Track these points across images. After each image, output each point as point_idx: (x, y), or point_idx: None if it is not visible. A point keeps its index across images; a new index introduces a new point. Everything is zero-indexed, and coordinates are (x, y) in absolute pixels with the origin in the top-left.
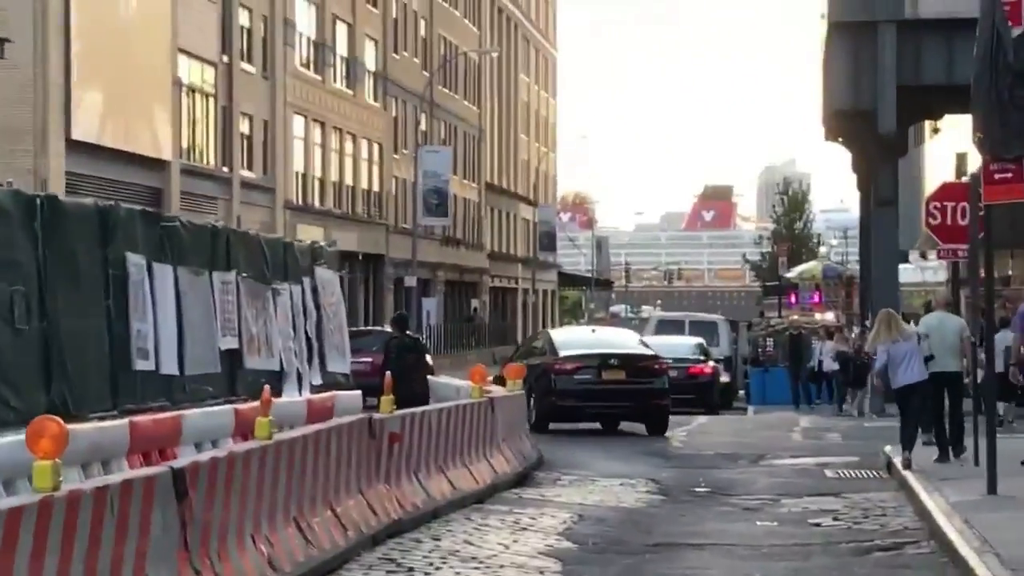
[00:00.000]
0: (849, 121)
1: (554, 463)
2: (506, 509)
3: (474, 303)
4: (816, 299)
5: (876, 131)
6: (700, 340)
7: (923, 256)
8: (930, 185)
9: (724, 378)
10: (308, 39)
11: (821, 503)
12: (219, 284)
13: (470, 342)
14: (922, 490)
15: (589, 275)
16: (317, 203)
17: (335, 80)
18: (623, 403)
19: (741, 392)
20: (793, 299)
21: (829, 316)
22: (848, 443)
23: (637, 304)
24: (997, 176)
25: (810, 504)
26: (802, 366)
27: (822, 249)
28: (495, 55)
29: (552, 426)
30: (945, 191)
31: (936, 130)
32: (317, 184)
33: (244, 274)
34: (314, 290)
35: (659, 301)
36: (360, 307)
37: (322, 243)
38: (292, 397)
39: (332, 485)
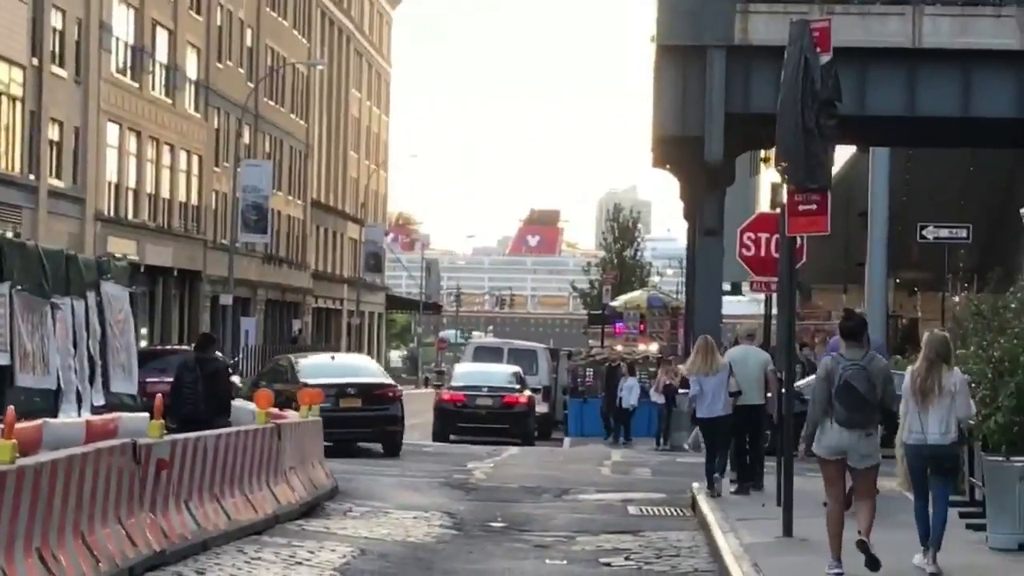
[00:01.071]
0: (677, 148)
1: (351, 493)
2: (285, 542)
3: (296, 324)
4: (641, 329)
5: (703, 159)
6: (517, 369)
7: (739, 291)
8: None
9: (542, 408)
10: (126, 44)
11: (617, 541)
12: None
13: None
14: (719, 530)
15: (418, 299)
16: (131, 215)
17: (153, 88)
18: (360, 429)
19: (562, 422)
20: (618, 329)
21: (653, 347)
22: (657, 479)
23: (467, 329)
24: (801, 208)
25: (605, 542)
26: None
27: (655, 279)
28: (322, 68)
29: (345, 456)
30: (759, 222)
31: (766, 160)
32: (131, 195)
33: (19, 287)
34: (99, 306)
35: (490, 327)
36: (174, 325)
37: (111, 257)
38: (70, 418)
39: (86, 514)
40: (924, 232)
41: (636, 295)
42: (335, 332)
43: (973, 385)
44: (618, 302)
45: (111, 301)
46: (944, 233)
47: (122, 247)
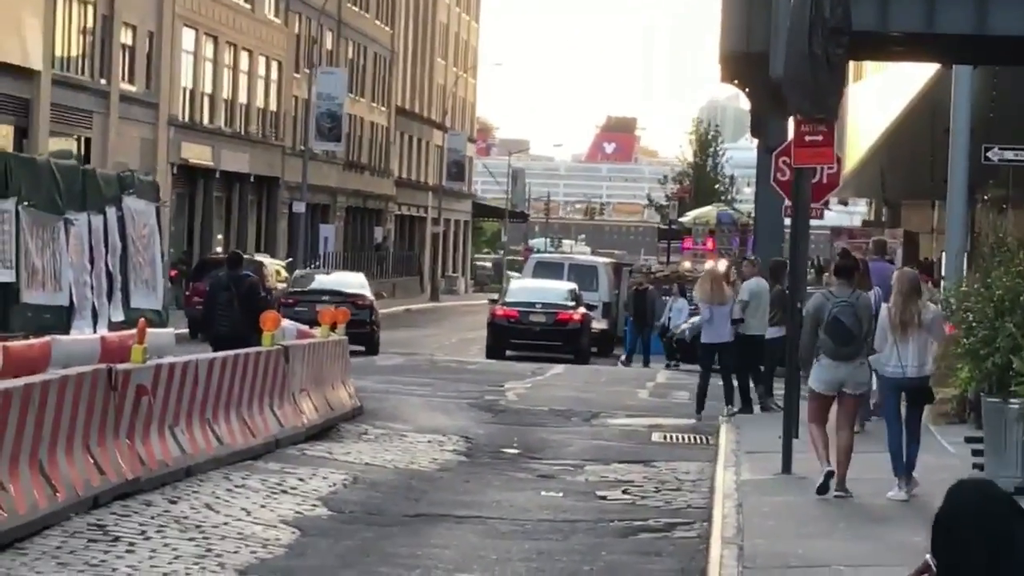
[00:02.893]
0: (743, 63)
1: (374, 414)
2: (278, 468)
3: (379, 232)
4: (709, 245)
5: (769, 75)
6: (573, 286)
7: (843, 203)
8: (852, 132)
9: (601, 325)
10: None
11: (625, 472)
12: None
13: (374, 272)
14: (721, 465)
15: (505, 207)
16: (206, 121)
17: None
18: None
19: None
20: (685, 245)
21: (722, 264)
22: (690, 403)
23: (558, 238)
24: (807, 139)
25: (611, 473)
26: (646, 323)
27: (744, 191)
28: None
29: (384, 378)
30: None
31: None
32: (207, 101)
33: (28, 202)
34: (121, 221)
35: (582, 235)
36: (251, 232)
37: (134, 171)
38: (84, 334)
39: (46, 443)
40: (988, 154)
41: (706, 210)
42: (419, 239)
43: (972, 324)
44: (687, 217)
45: (134, 216)
46: (1009, 155)
47: (196, 153)
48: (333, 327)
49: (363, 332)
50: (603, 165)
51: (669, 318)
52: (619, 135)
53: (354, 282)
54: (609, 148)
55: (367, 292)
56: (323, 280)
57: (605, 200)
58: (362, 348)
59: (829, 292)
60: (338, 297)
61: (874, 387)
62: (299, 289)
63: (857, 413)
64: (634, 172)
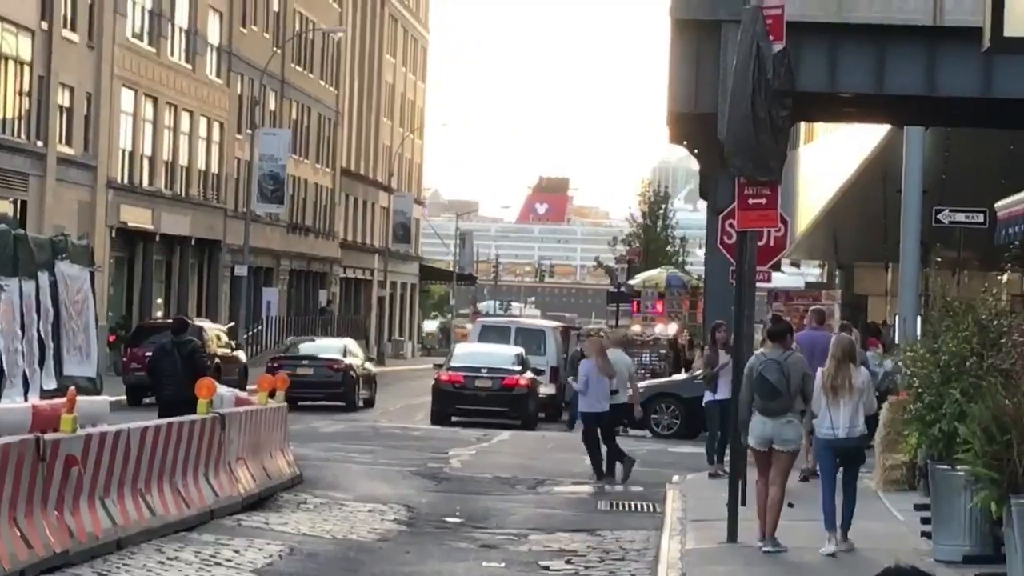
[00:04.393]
0: (691, 124)
1: (314, 482)
2: (213, 539)
3: (323, 295)
4: (659, 309)
5: (716, 136)
6: (519, 350)
7: (795, 265)
8: (804, 193)
9: (548, 389)
10: (143, 8)
11: (569, 541)
12: None
13: (318, 336)
14: (666, 533)
15: (453, 270)
16: (145, 183)
17: (172, 53)
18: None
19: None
20: (635, 307)
21: (672, 328)
22: (641, 470)
23: (506, 300)
24: (751, 201)
25: (555, 542)
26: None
27: (695, 253)
28: (340, 36)
29: (325, 445)
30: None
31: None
32: (146, 163)
33: None
34: (53, 286)
35: (532, 298)
36: (192, 296)
37: (67, 235)
38: (15, 403)
39: None
40: (939, 216)
41: (655, 273)
42: (365, 303)
43: (920, 390)
44: (637, 280)
45: (68, 281)
46: (960, 217)
47: (136, 215)
48: (272, 394)
49: (336, 392)
50: (535, 226)
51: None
52: (551, 196)
53: (334, 347)
54: (541, 209)
55: (343, 356)
56: (307, 345)
57: (538, 262)
58: (341, 404)
59: (761, 353)
60: (315, 361)
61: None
62: (284, 354)
63: (788, 471)
64: (566, 233)
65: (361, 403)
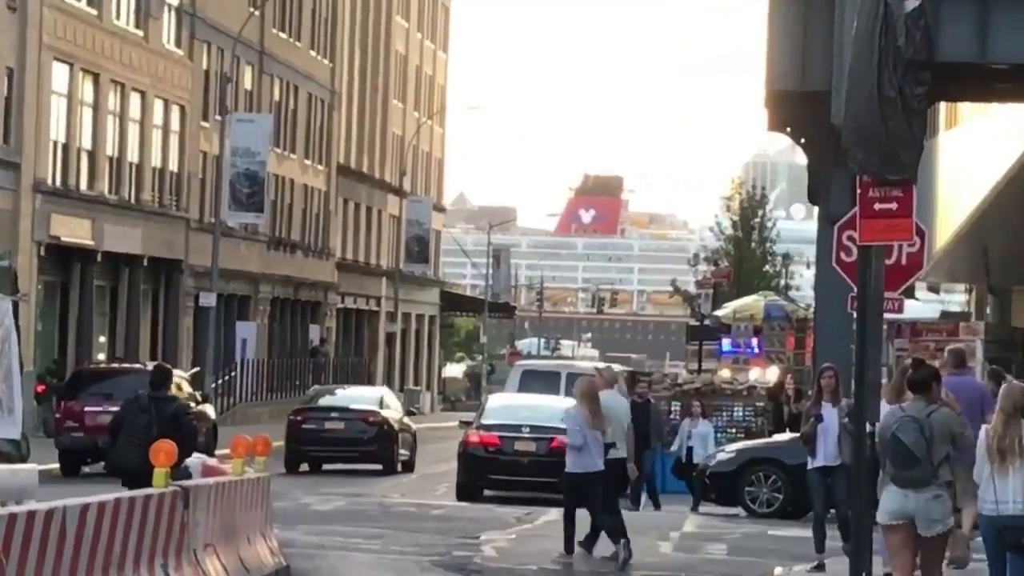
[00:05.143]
0: (796, 107)
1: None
2: None
3: (315, 331)
4: (755, 348)
5: (830, 121)
6: (573, 402)
7: (933, 290)
8: (945, 197)
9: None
10: None
11: None
12: None
13: (307, 386)
14: None
15: (484, 298)
16: (83, 186)
17: (118, 16)
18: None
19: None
20: (724, 346)
21: (772, 373)
22: (733, 559)
23: (554, 337)
24: (877, 207)
25: None
26: (647, 446)
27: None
28: None
29: (320, 527)
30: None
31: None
32: (84, 159)
33: None
34: None
35: (587, 335)
36: (144, 332)
37: None
38: None
39: None
40: None
41: (750, 301)
42: (369, 341)
43: None
44: (725, 310)
45: None
46: None
47: (71, 228)
48: (251, 460)
49: (370, 451)
50: (579, 239)
51: (690, 447)
52: (599, 199)
53: (370, 397)
54: (587, 216)
55: (379, 408)
56: (336, 395)
57: (583, 285)
58: (379, 467)
59: (900, 408)
60: (347, 414)
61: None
62: (308, 405)
63: (939, 563)
64: (620, 248)
65: (400, 466)
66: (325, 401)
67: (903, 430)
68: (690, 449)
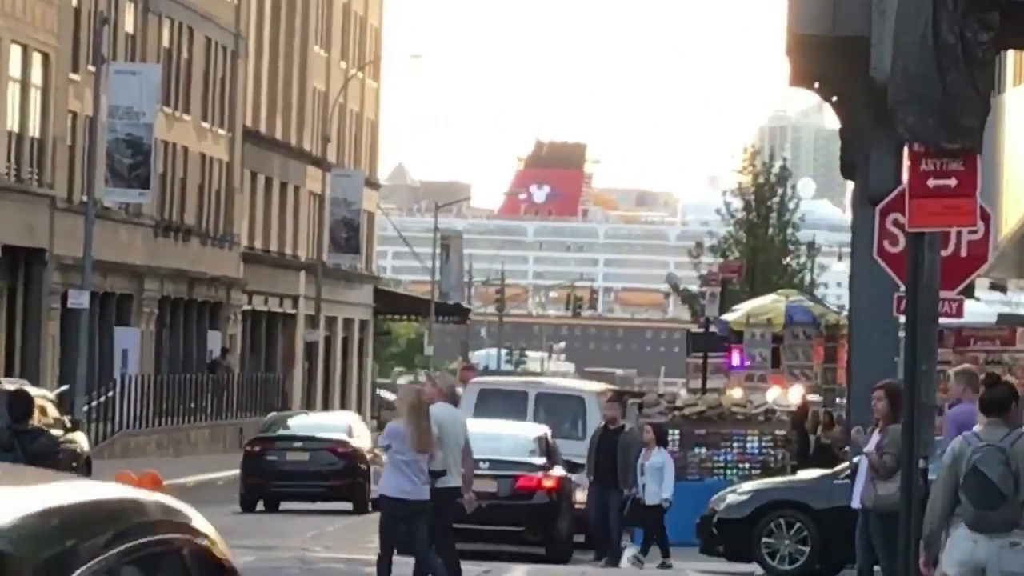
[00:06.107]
0: (826, 56)
1: None
2: None
3: (215, 339)
4: (774, 361)
5: (870, 75)
6: (543, 430)
7: (999, 289)
8: (1014, 171)
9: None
10: None
11: None
12: None
13: (204, 406)
14: None
15: (430, 298)
16: None
17: None
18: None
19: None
20: (730, 359)
21: (794, 393)
22: None
23: (516, 348)
24: (931, 183)
25: None
26: (613, 484)
27: (816, 275)
28: None
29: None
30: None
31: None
32: None
33: None
34: None
35: (559, 344)
36: None
37: None
38: None
39: None
40: None
41: (767, 302)
42: (283, 352)
43: None
44: (736, 314)
45: None
46: None
47: None
48: None
49: (338, 486)
50: (529, 223)
51: (643, 484)
52: (556, 172)
53: (336, 424)
54: (539, 194)
55: (348, 437)
56: (298, 421)
57: (533, 281)
58: (348, 506)
59: (973, 435)
60: (312, 443)
61: None
62: (267, 434)
63: None
64: (581, 233)
65: (371, 505)
66: (287, 428)
67: (986, 462)
68: (642, 486)
